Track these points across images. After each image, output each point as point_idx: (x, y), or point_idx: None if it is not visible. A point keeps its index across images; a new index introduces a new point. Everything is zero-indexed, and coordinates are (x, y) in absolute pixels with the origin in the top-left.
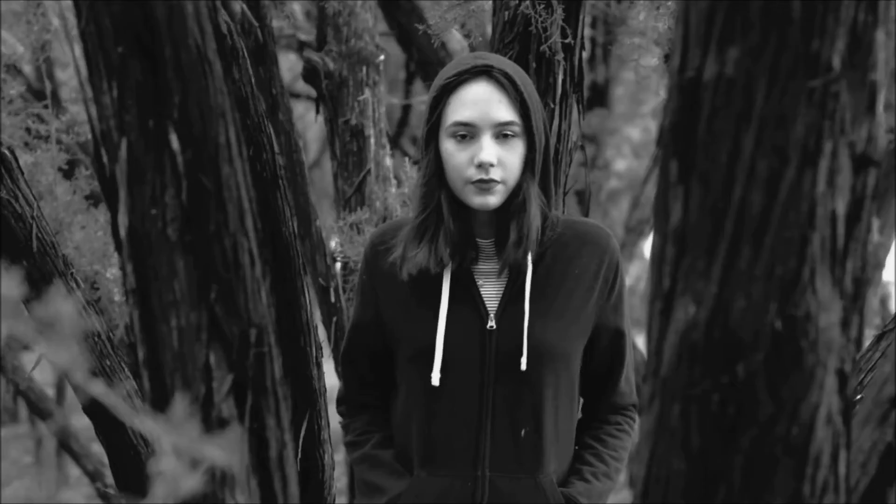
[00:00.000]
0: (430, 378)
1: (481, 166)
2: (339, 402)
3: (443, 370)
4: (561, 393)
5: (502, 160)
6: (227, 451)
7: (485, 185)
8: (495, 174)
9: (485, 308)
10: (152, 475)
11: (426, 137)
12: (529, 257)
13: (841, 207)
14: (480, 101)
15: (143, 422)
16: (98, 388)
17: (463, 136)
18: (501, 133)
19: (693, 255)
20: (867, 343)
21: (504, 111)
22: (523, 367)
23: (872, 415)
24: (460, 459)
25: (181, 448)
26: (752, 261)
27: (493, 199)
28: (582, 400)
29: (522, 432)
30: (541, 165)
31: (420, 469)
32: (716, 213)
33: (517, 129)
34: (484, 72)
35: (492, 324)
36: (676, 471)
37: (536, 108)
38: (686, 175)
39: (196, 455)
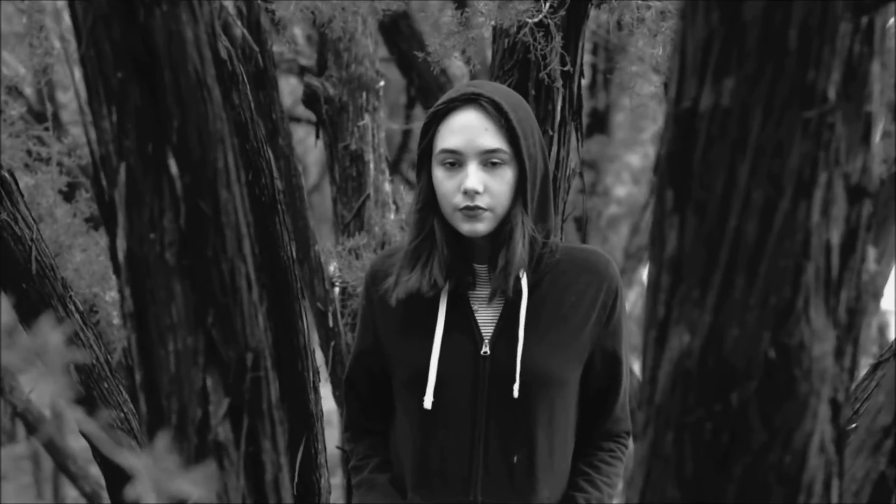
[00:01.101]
0: (423, 401)
1: (467, 193)
2: (346, 427)
3: (436, 395)
4: (556, 419)
5: (489, 187)
6: (204, 486)
7: (471, 213)
8: (481, 201)
9: (479, 334)
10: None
11: (419, 164)
12: (524, 283)
13: (835, 238)
14: (467, 129)
15: (122, 455)
16: (80, 419)
17: (451, 164)
18: (488, 161)
19: (688, 283)
20: (864, 372)
21: (490, 139)
22: (515, 394)
23: (866, 444)
24: (453, 484)
25: (160, 483)
26: (747, 290)
27: (482, 226)
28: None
29: (515, 459)
30: (537, 192)
31: (414, 494)
32: (711, 242)
33: (505, 156)
34: (472, 100)
35: (486, 349)
36: (670, 498)
37: (529, 136)
38: (682, 204)
39: (175, 491)
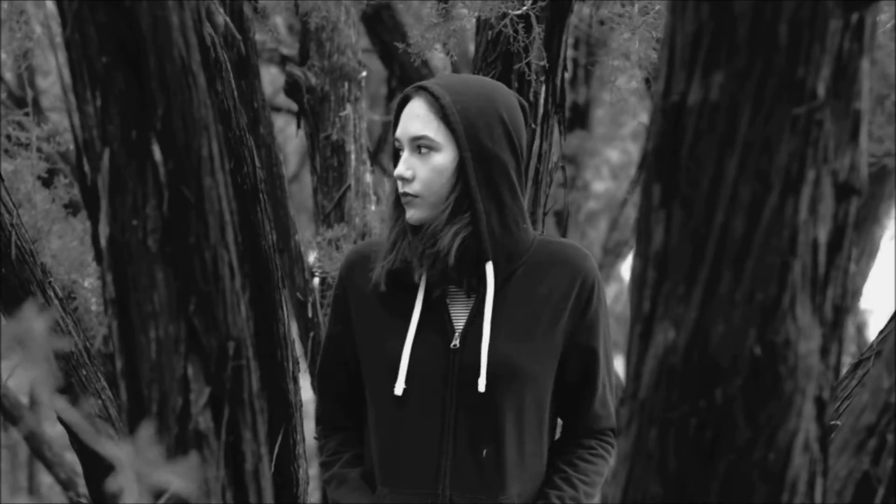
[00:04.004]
0: (393, 391)
1: (398, 180)
2: (317, 421)
3: (407, 385)
4: (525, 414)
5: (416, 174)
6: (187, 477)
7: (405, 199)
8: (410, 188)
9: (451, 327)
10: (112, 495)
11: (393, 155)
12: (490, 276)
13: (823, 235)
14: (405, 118)
15: (105, 445)
16: (62, 407)
17: (398, 152)
18: (417, 147)
19: (674, 279)
20: (844, 370)
21: (418, 126)
22: (481, 388)
23: (850, 443)
24: (421, 477)
25: (143, 473)
26: (733, 286)
27: (413, 213)
28: (561, 423)
29: (483, 453)
30: (500, 184)
31: (382, 487)
32: (697, 237)
33: (432, 143)
34: (419, 89)
35: (456, 343)
36: (653, 494)
37: (480, 127)
38: (668, 199)
39: (157, 482)
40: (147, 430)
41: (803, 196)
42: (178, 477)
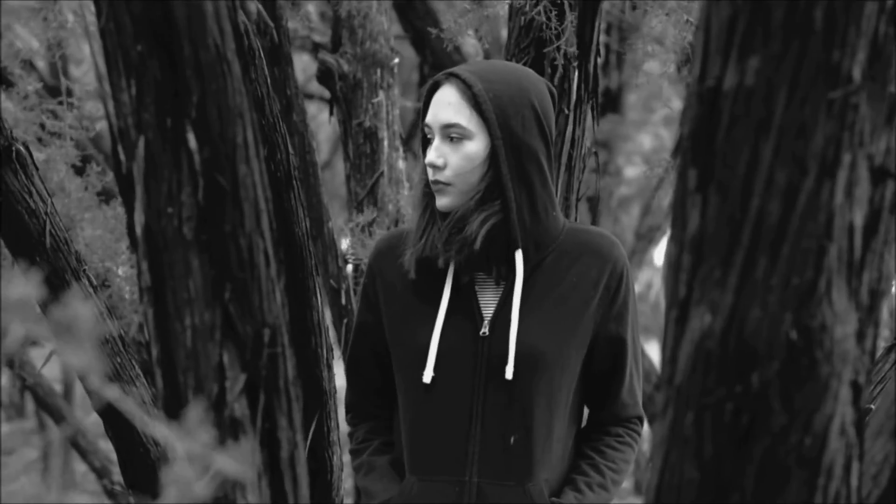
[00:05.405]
0: (421, 378)
1: (430, 167)
2: (347, 409)
3: (436, 373)
4: (554, 401)
5: (448, 162)
6: (240, 460)
7: (436, 187)
8: (441, 176)
9: (480, 314)
10: (165, 482)
11: (422, 142)
12: (519, 264)
13: (859, 219)
14: (435, 105)
15: (157, 428)
16: (114, 394)
17: (428, 139)
18: (449, 135)
19: (709, 263)
20: (878, 354)
21: (450, 113)
22: (508, 375)
23: (885, 427)
24: (449, 464)
25: (194, 455)
26: (769, 271)
27: (443, 201)
28: (588, 410)
29: (511, 439)
30: (530, 171)
31: (410, 474)
32: (733, 222)
33: (464, 131)
34: (450, 76)
35: (485, 330)
36: (689, 479)
37: (511, 115)
38: (704, 183)
39: (208, 463)
40: (196, 413)
41: (839, 180)
42: (233, 460)
